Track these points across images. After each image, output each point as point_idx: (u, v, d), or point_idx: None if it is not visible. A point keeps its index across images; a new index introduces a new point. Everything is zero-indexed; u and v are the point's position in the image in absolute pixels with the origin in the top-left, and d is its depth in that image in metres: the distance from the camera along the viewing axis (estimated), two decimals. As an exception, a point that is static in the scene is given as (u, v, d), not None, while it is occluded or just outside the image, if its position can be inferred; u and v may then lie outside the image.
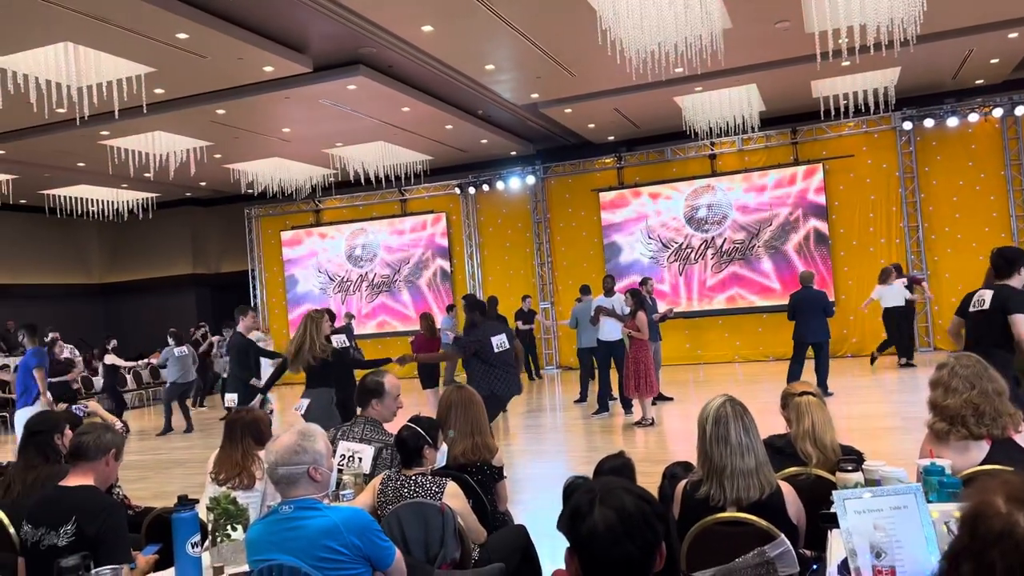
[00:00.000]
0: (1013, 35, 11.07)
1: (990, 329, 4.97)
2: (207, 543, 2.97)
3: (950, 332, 5.65)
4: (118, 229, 19.05)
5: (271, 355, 8.44)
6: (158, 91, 10.43)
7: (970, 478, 2.83)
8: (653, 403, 9.83)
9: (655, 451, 8.10)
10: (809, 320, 10.22)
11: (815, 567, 2.66)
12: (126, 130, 11.92)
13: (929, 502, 2.53)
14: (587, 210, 16.26)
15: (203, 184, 17.30)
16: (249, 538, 2.65)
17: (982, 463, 3.06)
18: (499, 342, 7.10)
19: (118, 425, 5.17)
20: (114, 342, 13.88)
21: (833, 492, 2.34)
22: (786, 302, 10.72)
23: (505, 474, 4.04)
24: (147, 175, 14.13)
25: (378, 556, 2.61)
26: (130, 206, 16.72)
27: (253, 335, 8.22)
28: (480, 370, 7.06)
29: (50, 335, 12.24)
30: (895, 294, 12.21)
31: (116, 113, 9.84)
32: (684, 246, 15.47)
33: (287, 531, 2.55)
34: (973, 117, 13.62)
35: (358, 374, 5.90)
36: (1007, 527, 1.16)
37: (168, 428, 12.02)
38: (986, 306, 5.04)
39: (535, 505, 6.22)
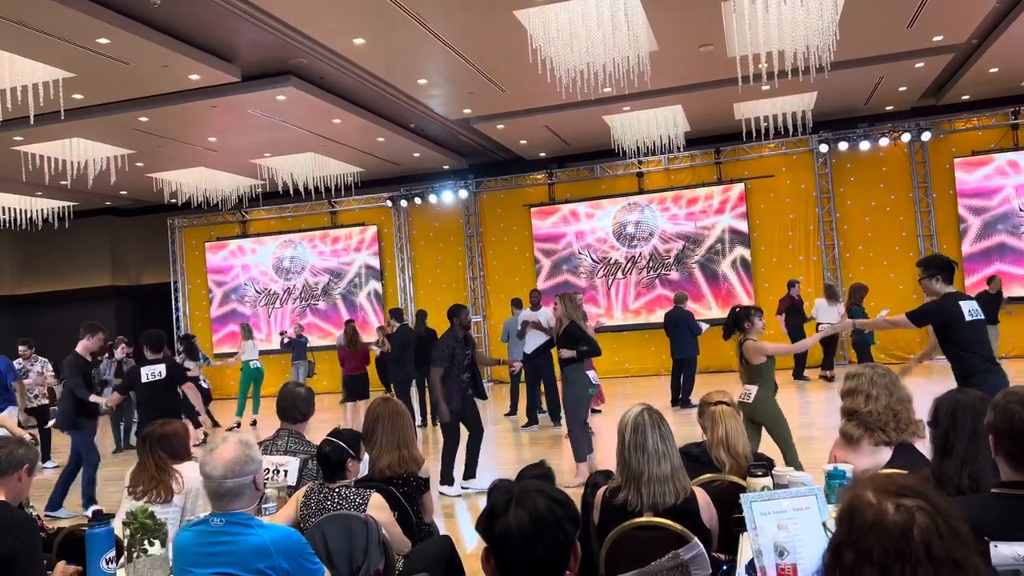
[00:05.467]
0: (919, 64, 11.71)
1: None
2: (123, 559, 2.90)
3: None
4: (31, 239, 18.25)
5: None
6: (77, 97, 10.11)
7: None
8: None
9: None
10: (676, 338, 11.31)
11: (725, 568, 2.77)
12: (42, 136, 11.48)
13: (830, 503, 2.67)
14: (519, 225, 16.41)
15: (124, 193, 16.77)
16: (177, 542, 2.63)
17: (885, 467, 3.24)
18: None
19: (28, 439, 4.99)
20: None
21: (741, 495, 2.45)
22: (710, 317, 11.17)
23: (430, 486, 4.06)
24: (63, 183, 13.63)
25: None
26: (45, 215, 16.04)
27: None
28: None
29: None
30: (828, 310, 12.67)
31: (31, 118, 9.48)
32: (612, 261, 15.76)
33: (216, 545, 2.52)
34: (884, 141, 14.32)
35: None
36: (879, 516, 1.28)
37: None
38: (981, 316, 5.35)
39: (462, 517, 6.24)
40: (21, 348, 10.56)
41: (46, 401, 10.63)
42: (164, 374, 6.89)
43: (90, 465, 7.52)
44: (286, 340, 14.97)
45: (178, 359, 11.46)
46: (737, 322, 5.98)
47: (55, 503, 7.46)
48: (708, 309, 14.79)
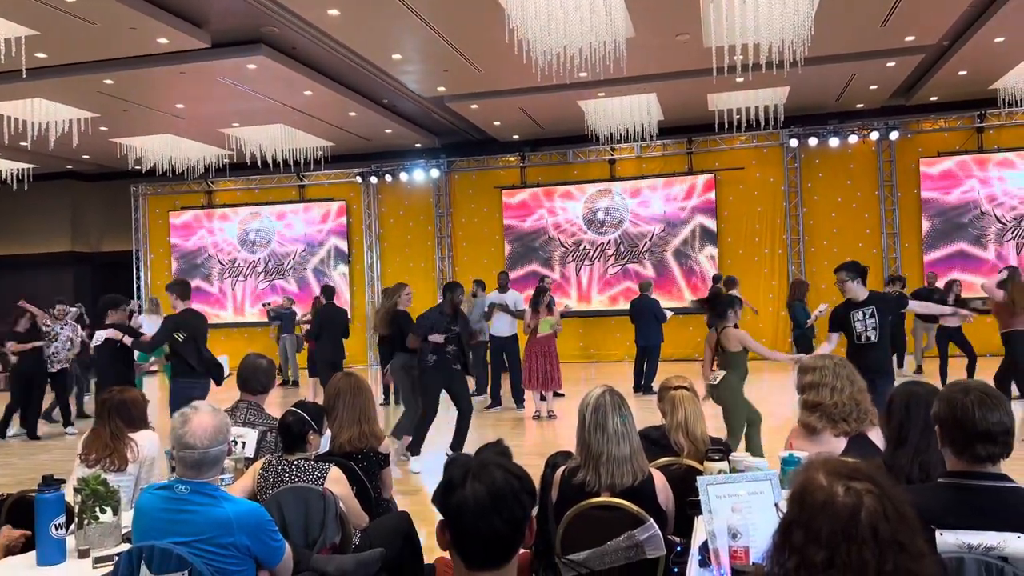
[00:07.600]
0: (891, 64, 11.86)
1: None
2: (73, 526, 2.85)
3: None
4: (-12, 200, 17.80)
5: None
6: (40, 55, 9.82)
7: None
8: (543, 398, 10.04)
9: (543, 444, 8.25)
10: (642, 325, 11.38)
11: (679, 549, 2.80)
12: (2, 95, 11.15)
13: (784, 489, 2.71)
14: (490, 207, 16.36)
15: (86, 157, 16.38)
16: (139, 504, 2.59)
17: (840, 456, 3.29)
18: None
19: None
20: None
21: (698, 478, 2.48)
22: (675, 305, 11.28)
23: (390, 462, 4.05)
24: (23, 144, 13.26)
25: (266, 556, 2.57)
26: (3, 176, 15.62)
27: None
28: None
29: None
30: None
31: (-9, 76, 9.22)
32: (581, 247, 15.81)
33: (178, 512, 2.49)
34: (853, 139, 14.51)
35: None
36: (829, 497, 1.31)
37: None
38: None
39: (421, 495, 6.25)
40: (58, 308, 10.06)
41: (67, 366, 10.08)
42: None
43: None
44: (272, 313, 14.34)
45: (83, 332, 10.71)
46: (722, 310, 6.24)
47: None
48: (673, 298, 14.91)
